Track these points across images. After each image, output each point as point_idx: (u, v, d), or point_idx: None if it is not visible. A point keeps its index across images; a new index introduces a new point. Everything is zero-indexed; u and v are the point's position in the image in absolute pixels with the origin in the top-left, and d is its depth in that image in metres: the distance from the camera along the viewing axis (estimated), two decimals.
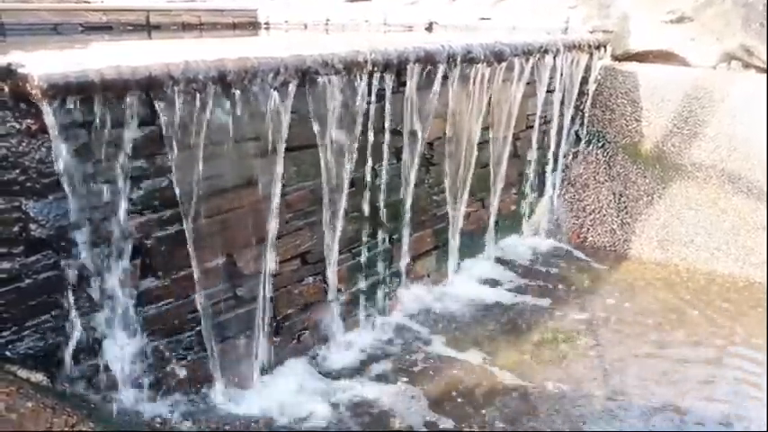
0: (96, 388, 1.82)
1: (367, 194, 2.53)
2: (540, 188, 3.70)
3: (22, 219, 1.58)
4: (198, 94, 1.78)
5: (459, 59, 2.64)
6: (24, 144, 1.55)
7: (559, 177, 3.72)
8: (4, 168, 1.53)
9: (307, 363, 2.40)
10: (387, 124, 2.50)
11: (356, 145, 2.37)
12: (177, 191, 1.86)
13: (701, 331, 2.71)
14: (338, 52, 2.15)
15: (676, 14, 3.73)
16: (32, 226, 1.60)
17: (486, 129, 3.08)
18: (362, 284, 2.64)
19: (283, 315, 2.34)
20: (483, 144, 3.08)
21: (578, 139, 3.73)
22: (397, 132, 2.58)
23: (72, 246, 1.67)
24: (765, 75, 3.42)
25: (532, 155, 3.49)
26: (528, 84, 3.20)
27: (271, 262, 2.18)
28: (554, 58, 3.26)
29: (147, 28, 4.17)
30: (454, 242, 3.09)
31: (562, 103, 3.53)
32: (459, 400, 2.22)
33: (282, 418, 2.09)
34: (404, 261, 2.82)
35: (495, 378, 2.35)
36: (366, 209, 2.55)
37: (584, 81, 3.61)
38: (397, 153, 2.62)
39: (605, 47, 3.69)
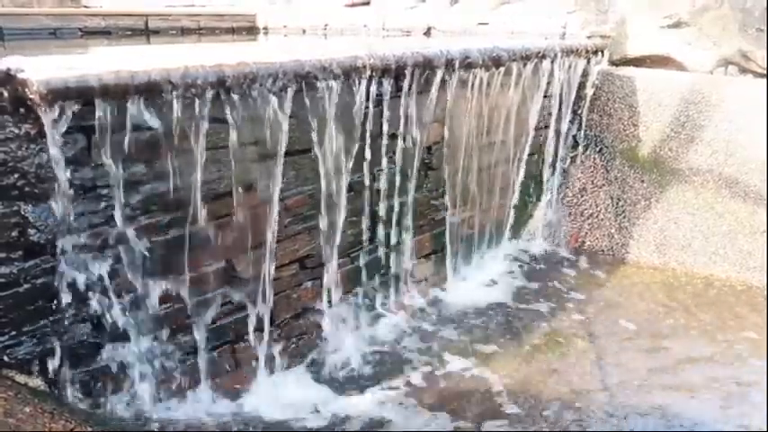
0: (95, 392, 1.81)
1: (366, 199, 2.53)
2: (538, 192, 3.71)
3: (21, 223, 1.58)
4: (197, 99, 1.78)
5: (457, 64, 2.65)
6: (23, 149, 1.55)
7: (557, 182, 3.72)
8: (3, 173, 1.54)
9: (305, 367, 2.40)
10: (385, 129, 2.51)
11: (355, 149, 2.37)
12: (176, 195, 1.87)
13: (699, 335, 2.71)
14: (337, 57, 2.16)
15: (674, 19, 3.74)
16: (31, 231, 1.60)
17: (483, 134, 3.08)
18: (361, 289, 2.64)
19: (282, 320, 2.34)
20: (481, 149, 3.09)
21: (576, 143, 3.74)
22: (395, 137, 2.58)
23: (70, 250, 1.67)
24: (765, 79, 3.43)
25: (530, 159, 3.50)
26: (526, 88, 3.21)
27: (269, 266, 2.18)
28: (552, 62, 3.27)
29: (145, 33, 4.17)
30: (453, 247, 3.10)
31: (560, 107, 3.53)
32: (457, 404, 2.22)
33: (279, 422, 2.09)
34: (402, 266, 2.82)
35: (493, 383, 2.35)
36: (365, 213, 2.55)
37: (582, 86, 3.61)
38: (395, 158, 2.62)
39: (603, 52, 3.70)
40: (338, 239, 2.42)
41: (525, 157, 3.45)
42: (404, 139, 2.62)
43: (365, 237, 2.60)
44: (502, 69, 2.94)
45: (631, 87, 3.59)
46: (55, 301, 1.68)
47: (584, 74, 3.59)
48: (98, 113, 1.61)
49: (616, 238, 3.54)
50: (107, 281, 1.77)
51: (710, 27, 3.70)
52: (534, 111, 3.37)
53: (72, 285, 1.70)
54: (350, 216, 2.48)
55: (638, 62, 3.82)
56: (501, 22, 3.88)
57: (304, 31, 4.61)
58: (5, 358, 1.62)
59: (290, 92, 2.02)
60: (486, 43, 2.91)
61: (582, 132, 3.72)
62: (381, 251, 2.69)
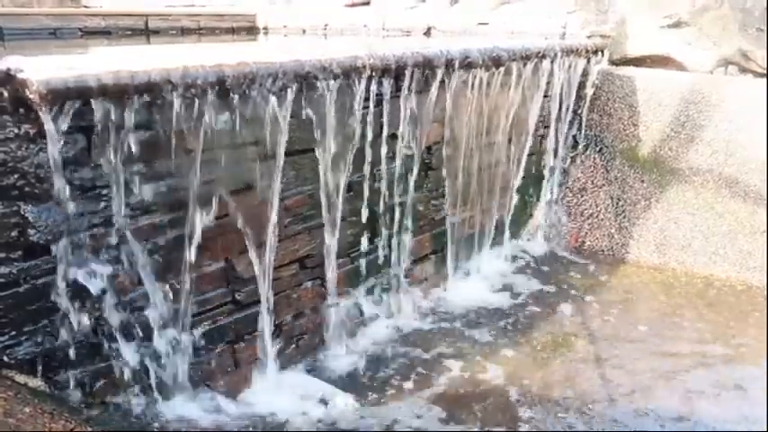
0: (95, 392, 1.81)
1: (365, 199, 2.53)
2: (538, 192, 3.71)
3: (21, 223, 1.58)
4: (197, 99, 1.78)
5: (457, 64, 2.65)
6: (23, 149, 1.55)
7: (557, 182, 3.72)
8: (3, 173, 1.54)
9: (305, 367, 2.40)
10: (385, 129, 2.51)
11: (355, 149, 2.37)
12: (176, 195, 1.87)
13: (699, 335, 2.71)
14: (337, 57, 2.16)
15: (674, 19, 3.74)
16: (31, 231, 1.60)
17: (484, 133, 3.08)
18: (361, 289, 2.64)
19: (282, 320, 2.33)
20: (481, 148, 3.09)
21: (576, 143, 3.74)
22: (395, 137, 2.58)
23: (70, 250, 1.67)
24: (765, 79, 3.43)
25: (530, 159, 3.50)
26: (526, 88, 3.21)
27: (269, 267, 2.18)
28: (552, 62, 3.27)
29: (145, 32, 4.17)
30: (453, 247, 3.10)
31: (560, 107, 3.53)
32: (458, 404, 2.22)
33: (279, 422, 2.09)
34: (403, 266, 2.82)
35: (494, 383, 2.35)
36: (365, 213, 2.55)
37: (582, 86, 3.61)
38: (395, 157, 2.62)
39: (603, 51, 3.70)
40: (337, 240, 2.41)
41: (525, 156, 3.45)
42: (404, 139, 2.62)
43: (365, 237, 2.59)
44: (502, 69, 2.94)
45: (631, 87, 3.59)
46: (55, 302, 1.68)
47: (585, 74, 3.59)
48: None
49: (616, 237, 3.54)
50: (107, 281, 1.77)
51: (710, 27, 3.70)
52: (534, 111, 3.37)
53: (72, 285, 1.70)
54: (350, 216, 2.48)
55: (638, 62, 3.82)
56: (501, 22, 3.88)
57: (304, 31, 4.61)
58: (5, 358, 1.62)
59: (290, 92, 2.02)
60: (486, 43, 2.91)
61: (582, 132, 3.72)
62: (381, 251, 2.69)
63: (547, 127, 3.57)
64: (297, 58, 2.04)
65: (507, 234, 3.54)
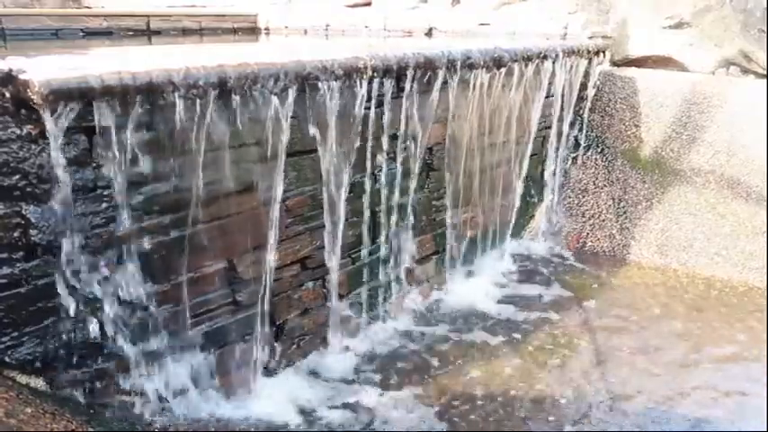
0: (96, 393, 1.81)
1: (367, 199, 2.53)
2: (540, 193, 3.71)
3: (23, 224, 1.58)
4: (198, 100, 1.78)
5: (458, 65, 2.65)
6: (25, 150, 1.55)
7: (558, 182, 3.72)
8: (5, 174, 1.54)
9: (306, 368, 2.40)
10: (386, 129, 2.51)
11: (356, 150, 2.37)
12: (177, 196, 1.87)
13: (701, 336, 2.71)
14: (338, 58, 2.16)
15: (675, 20, 3.74)
16: (33, 231, 1.60)
17: (485, 134, 3.08)
18: (362, 289, 2.64)
19: (283, 320, 2.34)
20: (483, 149, 3.09)
21: (577, 144, 3.74)
22: (396, 137, 2.58)
23: (72, 251, 1.67)
24: (765, 80, 3.43)
25: (532, 160, 3.49)
26: (527, 89, 3.21)
27: (270, 267, 2.18)
28: (553, 63, 3.27)
29: (147, 33, 4.18)
30: (454, 247, 3.10)
31: (561, 108, 3.53)
32: (459, 405, 2.22)
33: (280, 423, 2.09)
34: (404, 266, 2.82)
35: (494, 383, 2.35)
36: (366, 214, 2.55)
37: (584, 86, 3.61)
38: (396, 158, 2.62)
39: (604, 52, 3.71)
40: (339, 240, 2.41)
41: (527, 157, 3.45)
42: (405, 140, 2.62)
43: (366, 237, 2.59)
44: (503, 70, 2.94)
45: (633, 88, 3.59)
46: (56, 302, 1.68)
47: (586, 74, 3.59)
48: None
49: (617, 238, 3.54)
50: (108, 281, 1.77)
51: (712, 28, 3.70)
52: (536, 111, 3.37)
53: (73, 286, 1.70)
54: (351, 216, 2.48)
55: (639, 63, 3.82)
56: (502, 23, 3.88)
57: (305, 32, 4.62)
58: (7, 359, 1.62)
59: (292, 92, 2.02)
60: (488, 44, 2.91)
61: (583, 133, 3.72)
62: (383, 252, 2.69)
63: (548, 128, 3.57)
64: (298, 59, 2.04)
65: (508, 235, 3.54)
